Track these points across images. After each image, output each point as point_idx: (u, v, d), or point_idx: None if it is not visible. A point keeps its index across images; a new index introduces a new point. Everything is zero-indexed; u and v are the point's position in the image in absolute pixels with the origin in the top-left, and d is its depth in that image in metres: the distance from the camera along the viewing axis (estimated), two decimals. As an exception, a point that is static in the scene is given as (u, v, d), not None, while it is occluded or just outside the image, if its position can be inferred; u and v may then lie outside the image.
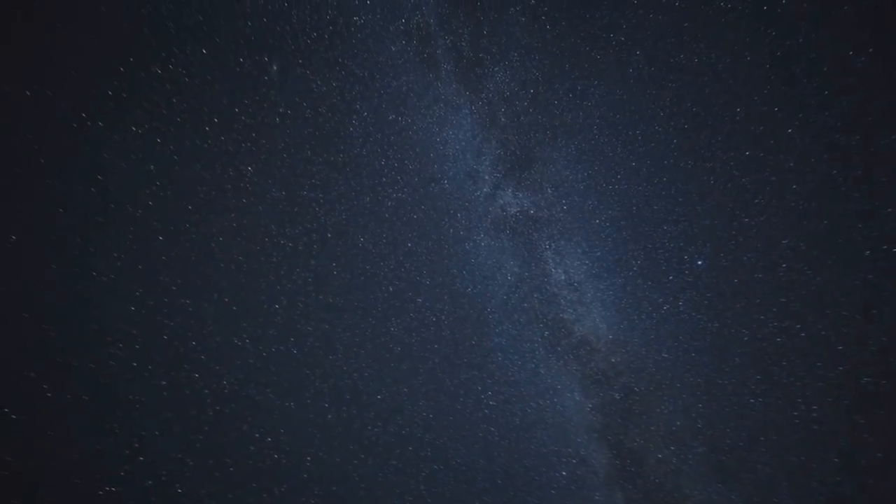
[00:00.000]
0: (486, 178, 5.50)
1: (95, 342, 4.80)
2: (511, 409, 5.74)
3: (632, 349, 5.67)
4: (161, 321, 4.95)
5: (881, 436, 5.21)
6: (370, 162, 5.28)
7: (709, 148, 5.28)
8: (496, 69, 5.24)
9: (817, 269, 5.21)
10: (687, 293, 5.54)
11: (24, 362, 4.63)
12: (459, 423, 5.68)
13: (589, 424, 5.74)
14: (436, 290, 5.58)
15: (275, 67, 4.89)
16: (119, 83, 4.53)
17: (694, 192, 5.38)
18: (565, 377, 5.74)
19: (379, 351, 5.52)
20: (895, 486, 5.20)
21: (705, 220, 5.40)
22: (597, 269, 5.64)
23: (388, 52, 5.07)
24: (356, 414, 5.51)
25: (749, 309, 5.44)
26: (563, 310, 5.68)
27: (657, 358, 5.64)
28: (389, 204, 5.38)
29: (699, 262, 5.47)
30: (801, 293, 5.29)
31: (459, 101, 5.31)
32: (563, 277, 5.65)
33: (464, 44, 5.17)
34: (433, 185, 5.44)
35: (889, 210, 4.97)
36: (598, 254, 5.62)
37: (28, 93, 4.32)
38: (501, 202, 5.55)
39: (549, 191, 5.54)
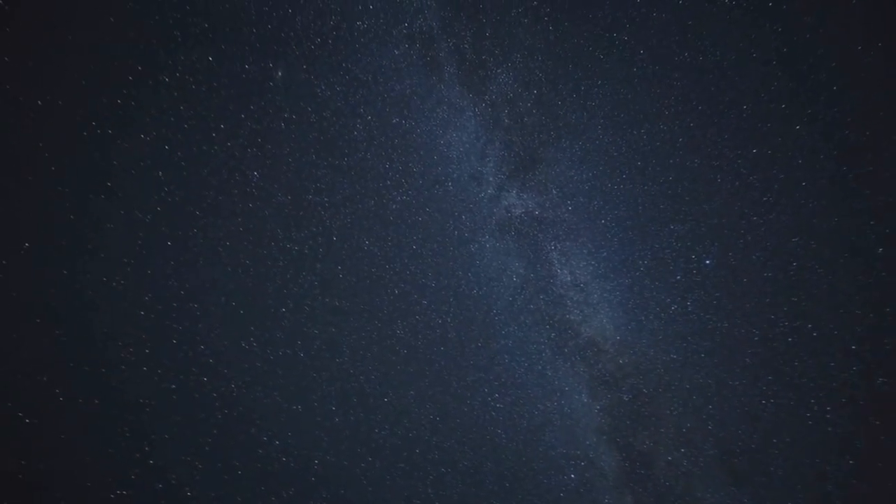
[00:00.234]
0: (491, 179, 5.50)
1: (106, 347, 4.88)
2: (518, 411, 5.71)
3: (640, 350, 5.61)
4: (170, 325, 5.01)
5: (898, 437, 5.10)
6: (374, 165, 5.30)
7: (715, 146, 5.22)
8: (499, 71, 5.24)
9: (829, 267, 5.12)
10: (695, 293, 5.48)
11: (37, 367, 4.71)
12: (466, 425, 5.66)
13: (597, 426, 5.68)
14: (441, 292, 5.58)
15: (279, 73, 4.94)
16: (128, 91, 4.62)
17: (701, 191, 5.33)
18: (573, 379, 5.70)
19: (385, 353, 5.53)
20: (914, 488, 5.08)
21: (713, 219, 5.34)
22: (603, 270, 5.60)
23: (391, 55, 5.10)
24: (363, 417, 5.51)
25: (759, 308, 5.36)
26: (569, 311, 5.65)
27: (666, 359, 5.58)
28: (394, 207, 5.39)
29: (707, 262, 5.41)
30: (813, 292, 5.20)
31: (463, 104, 5.32)
32: (569, 278, 5.62)
33: (466, 46, 5.19)
34: (437, 187, 5.45)
35: (902, 206, 4.88)
36: (605, 254, 5.58)
37: (40, 102, 4.41)
38: (506, 203, 5.54)
39: (554, 191, 5.52)
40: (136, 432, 5.00)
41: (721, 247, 5.37)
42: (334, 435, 5.46)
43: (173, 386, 5.06)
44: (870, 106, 4.84)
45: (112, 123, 4.63)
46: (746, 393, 5.43)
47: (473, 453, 5.66)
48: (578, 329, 5.66)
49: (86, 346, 4.81)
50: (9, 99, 4.33)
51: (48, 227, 4.62)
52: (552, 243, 5.60)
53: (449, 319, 5.61)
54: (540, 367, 5.71)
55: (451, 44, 5.19)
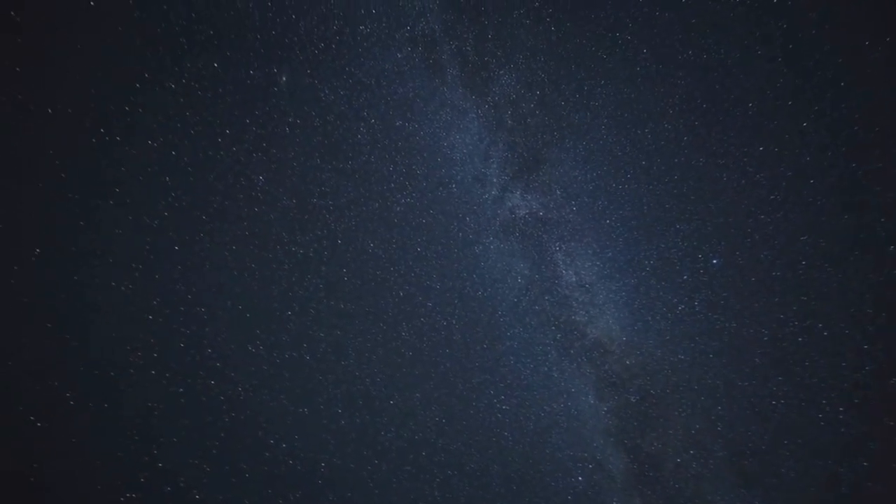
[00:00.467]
0: (495, 181, 5.50)
1: (114, 350, 4.93)
2: (524, 413, 5.68)
3: (647, 351, 5.56)
4: (177, 329, 5.06)
5: (913, 438, 5.00)
6: (379, 168, 5.32)
7: (721, 144, 5.18)
8: (502, 72, 5.25)
9: (838, 265, 5.04)
10: (702, 293, 5.42)
11: (47, 371, 4.77)
12: (472, 427, 5.64)
13: (605, 428, 5.64)
14: (446, 294, 5.58)
15: (284, 78, 4.99)
16: (135, 98, 4.68)
17: (707, 190, 5.28)
18: (579, 380, 5.66)
19: (390, 356, 5.53)
20: (930, 491, 4.97)
21: (719, 218, 5.29)
22: (609, 270, 5.57)
23: (394, 59, 5.13)
24: (369, 419, 5.51)
25: (768, 308, 5.29)
26: (575, 312, 5.62)
27: (673, 359, 5.52)
28: (398, 209, 5.41)
29: (714, 261, 5.36)
30: (823, 291, 5.13)
31: (466, 105, 5.33)
32: (574, 279, 5.59)
33: (469, 48, 5.20)
34: (441, 189, 5.46)
35: (912, 203, 4.80)
36: (610, 254, 5.55)
37: (49, 109, 4.49)
38: (510, 205, 5.53)
39: (558, 192, 5.50)
40: (144, 436, 5.04)
41: (728, 246, 5.32)
42: (340, 437, 5.47)
43: (181, 389, 5.10)
44: (877, 102, 4.77)
45: (120, 130, 4.69)
46: (756, 394, 5.36)
47: (480, 455, 5.63)
48: (584, 330, 5.63)
49: (95, 351, 4.86)
50: (18, 106, 4.41)
51: (57, 233, 4.68)
52: (557, 244, 5.58)
53: (454, 321, 5.61)
54: (546, 369, 5.68)
55: (453, 46, 5.21)
